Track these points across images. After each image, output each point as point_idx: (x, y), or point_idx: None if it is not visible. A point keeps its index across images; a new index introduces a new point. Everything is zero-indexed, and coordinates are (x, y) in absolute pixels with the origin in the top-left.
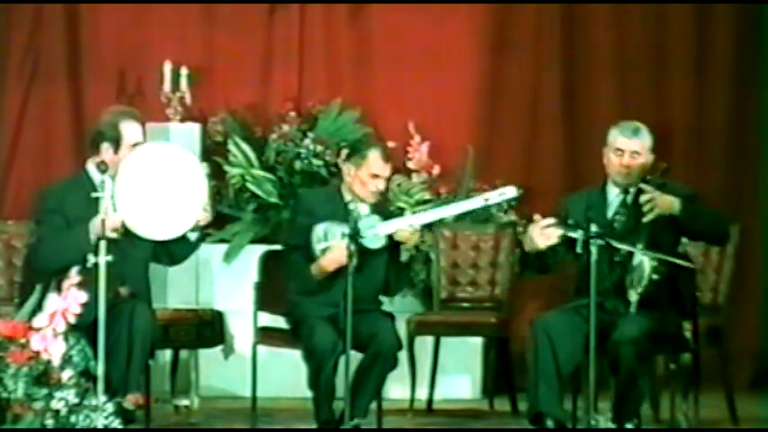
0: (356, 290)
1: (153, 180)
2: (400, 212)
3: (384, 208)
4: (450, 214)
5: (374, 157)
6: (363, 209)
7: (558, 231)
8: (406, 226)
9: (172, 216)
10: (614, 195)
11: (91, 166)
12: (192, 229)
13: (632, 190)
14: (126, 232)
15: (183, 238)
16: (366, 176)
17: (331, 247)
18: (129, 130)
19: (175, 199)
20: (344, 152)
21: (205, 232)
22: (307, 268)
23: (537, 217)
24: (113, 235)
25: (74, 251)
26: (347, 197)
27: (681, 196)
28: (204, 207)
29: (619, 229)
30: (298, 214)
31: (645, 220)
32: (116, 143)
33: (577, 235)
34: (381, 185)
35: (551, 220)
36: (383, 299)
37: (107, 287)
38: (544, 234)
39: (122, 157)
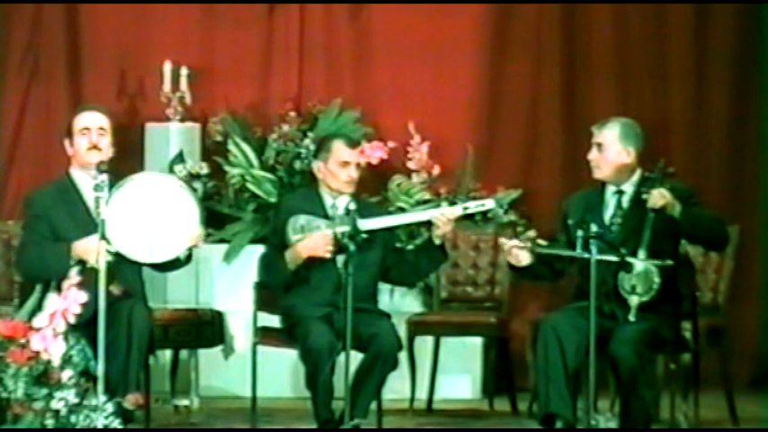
0: (345, 287)
1: (143, 209)
2: (387, 212)
3: (372, 206)
4: (429, 217)
5: (338, 146)
6: (340, 209)
7: (526, 255)
8: (385, 225)
9: (165, 241)
10: (610, 196)
11: (74, 171)
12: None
13: (627, 191)
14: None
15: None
16: (336, 167)
17: (309, 236)
18: (79, 119)
19: (167, 225)
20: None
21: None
22: (281, 261)
23: (503, 241)
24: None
25: (54, 268)
26: (325, 197)
27: (680, 194)
28: (194, 237)
29: (616, 232)
30: (279, 216)
31: (649, 205)
32: (70, 136)
33: (552, 250)
34: (353, 173)
35: (515, 242)
36: (381, 298)
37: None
38: (512, 256)
39: (76, 147)
